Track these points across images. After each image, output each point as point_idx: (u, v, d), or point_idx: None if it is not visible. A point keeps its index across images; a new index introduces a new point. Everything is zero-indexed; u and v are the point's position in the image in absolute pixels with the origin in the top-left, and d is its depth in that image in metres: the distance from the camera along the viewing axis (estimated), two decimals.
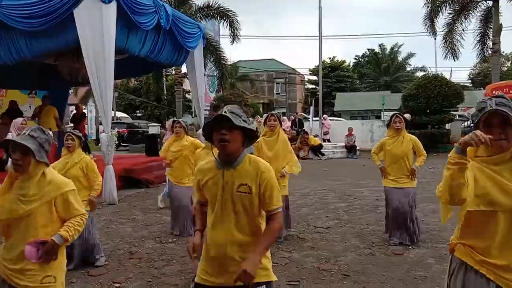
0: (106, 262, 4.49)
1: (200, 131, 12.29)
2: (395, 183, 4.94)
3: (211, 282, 2.06)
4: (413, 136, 5.02)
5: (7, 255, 2.27)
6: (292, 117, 20.70)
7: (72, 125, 11.81)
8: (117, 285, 3.93)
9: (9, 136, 7.27)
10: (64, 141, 4.25)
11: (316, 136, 17.82)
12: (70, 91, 16.98)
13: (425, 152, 5.03)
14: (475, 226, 1.89)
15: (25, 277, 2.22)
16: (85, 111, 16.98)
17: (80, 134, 4.35)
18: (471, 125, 1.90)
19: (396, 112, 5.25)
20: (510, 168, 1.79)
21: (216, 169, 2.07)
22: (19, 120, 7.40)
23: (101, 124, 10.07)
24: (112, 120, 23.33)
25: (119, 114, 30.15)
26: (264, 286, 2.07)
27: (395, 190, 4.94)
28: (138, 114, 39.05)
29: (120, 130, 19.75)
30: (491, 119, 1.78)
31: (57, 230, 2.26)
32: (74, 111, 14.68)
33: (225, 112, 1.97)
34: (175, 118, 5.84)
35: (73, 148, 4.20)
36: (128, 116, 32.49)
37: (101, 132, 8.45)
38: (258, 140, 4.97)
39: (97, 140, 17.54)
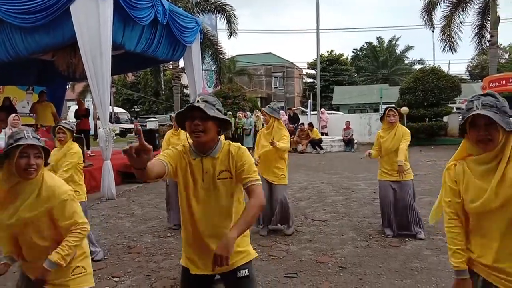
0: (105, 257, 4.53)
1: None
2: (389, 176, 4.96)
3: (196, 270, 2.07)
4: (406, 129, 4.97)
5: (32, 274, 2.24)
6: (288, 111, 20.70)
7: (75, 120, 11.79)
8: (116, 279, 3.96)
9: (2, 133, 7.28)
10: (55, 134, 4.24)
11: None
12: (67, 86, 16.93)
13: (406, 144, 4.83)
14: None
15: (57, 280, 2.23)
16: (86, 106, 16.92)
17: (70, 127, 4.31)
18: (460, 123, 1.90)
19: (390, 105, 5.15)
20: (493, 168, 1.78)
21: (193, 158, 2.03)
22: (11, 116, 7.42)
23: (98, 119, 10.09)
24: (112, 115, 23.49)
25: (117, 109, 30.08)
26: (246, 269, 2.07)
27: (389, 183, 4.97)
28: (136, 109, 39.07)
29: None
30: (477, 120, 1.78)
31: (59, 241, 2.20)
32: (76, 107, 14.66)
33: (198, 101, 1.93)
34: (172, 113, 5.79)
35: (65, 140, 4.22)
36: (126, 112, 32.44)
37: (99, 128, 8.45)
38: (259, 132, 5.32)
39: (95, 136, 17.54)
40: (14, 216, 2.12)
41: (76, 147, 4.29)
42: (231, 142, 2.10)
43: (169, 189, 5.71)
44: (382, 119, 5.07)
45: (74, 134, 4.42)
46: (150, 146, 1.60)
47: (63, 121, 4.47)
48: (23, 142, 2.07)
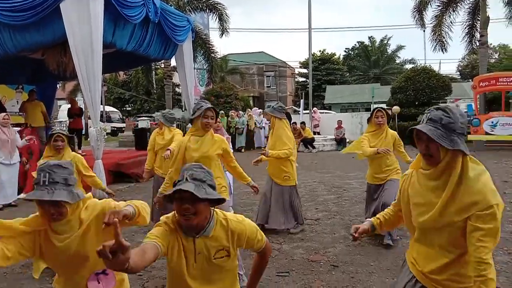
0: None
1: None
2: (377, 180, 4.82)
3: None
4: (393, 131, 4.84)
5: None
6: None
7: (61, 120, 11.70)
8: None
9: None
10: (51, 142, 4.10)
11: None
12: (58, 85, 16.77)
13: (402, 144, 4.86)
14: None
15: None
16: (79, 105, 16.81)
17: (66, 133, 4.29)
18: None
19: (378, 106, 4.85)
20: (442, 186, 1.75)
21: (183, 237, 1.82)
22: (1, 115, 7.34)
23: (89, 118, 10.02)
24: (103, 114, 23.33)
25: (108, 108, 29.89)
26: None
27: (376, 187, 4.86)
28: (127, 108, 38.84)
29: None
30: (420, 134, 1.75)
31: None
32: (68, 106, 14.50)
33: (186, 178, 1.72)
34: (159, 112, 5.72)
35: (63, 149, 4.13)
36: (118, 111, 32.24)
37: (90, 127, 8.39)
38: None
39: (86, 135, 17.44)
40: (66, 245, 1.94)
41: (78, 155, 4.34)
42: (227, 215, 1.91)
43: (154, 185, 5.68)
44: (369, 120, 4.80)
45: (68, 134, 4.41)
46: (128, 244, 1.35)
47: (58, 128, 4.41)
48: (35, 196, 1.79)
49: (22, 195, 7.74)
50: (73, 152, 4.31)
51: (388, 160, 4.71)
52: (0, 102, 11.13)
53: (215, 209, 1.88)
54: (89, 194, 2.09)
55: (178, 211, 1.75)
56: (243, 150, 16.28)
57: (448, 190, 1.72)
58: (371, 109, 4.67)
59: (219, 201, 1.79)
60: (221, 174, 3.73)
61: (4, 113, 7.59)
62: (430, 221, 1.78)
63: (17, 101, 12.19)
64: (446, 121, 1.69)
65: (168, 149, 5.16)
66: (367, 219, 2.15)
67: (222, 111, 17.57)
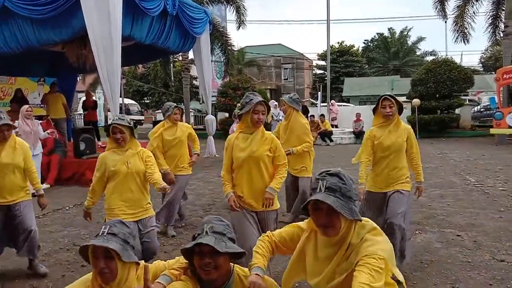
0: None
1: (208, 117, 12.23)
2: (384, 188, 3.68)
3: None
4: (408, 126, 3.70)
5: None
6: None
7: (81, 112, 11.88)
8: None
9: (16, 124, 7.34)
10: (110, 134, 3.37)
11: None
12: (78, 78, 17.04)
13: (419, 158, 3.72)
14: None
15: None
16: (94, 98, 17.06)
17: (127, 122, 3.39)
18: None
19: (385, 94, 3.61)
20: (333, 255, 1.73)
21: None
22: (25, 107, 7.51)
23: (109, 111, 10.15)
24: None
25: (127, 101, 30.26)
26: None
27: (381, 196, 3.70)
28: (146, 101, 39.20)
29: None
30: (319, 204, 1.65)
31: None
32: (84, 98, 14.72)
33: (206, 232, 1.73)
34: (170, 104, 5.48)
35: (125, 141, 3.37)
36: (137, 103, 32.59)
37: (109, 119, 8.49)
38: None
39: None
40: None
41: (147, 150, 3.63)
42: (247, 272, 1.87)
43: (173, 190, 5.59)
44: (375, 110, 3.68)
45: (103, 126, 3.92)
46: None
47: (116, 117, 3.43)
48: (90, 242, 1.73)
49: (45, 185, 7.93)
50: (141, 148, 3.56)
51: (396, 160, 3.64)
52: (23, 94, 11.38)
53: (235, 265, 1.86)
54: (142, 261, 1.98)
55: (198, 265, 1.74)
56: None
57: (339, 256, 1.72)
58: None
59: (240, 255, 1.77)
60: (270, 179, 3.27)
61: (27, 105, 7.76)
62: (321, 285, 1.79)
63: (39, 93, 12.46)
64: (345, 189, 1.65)
65: (196, 153, 5.30)
66: (255, 268, 1.82)
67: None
